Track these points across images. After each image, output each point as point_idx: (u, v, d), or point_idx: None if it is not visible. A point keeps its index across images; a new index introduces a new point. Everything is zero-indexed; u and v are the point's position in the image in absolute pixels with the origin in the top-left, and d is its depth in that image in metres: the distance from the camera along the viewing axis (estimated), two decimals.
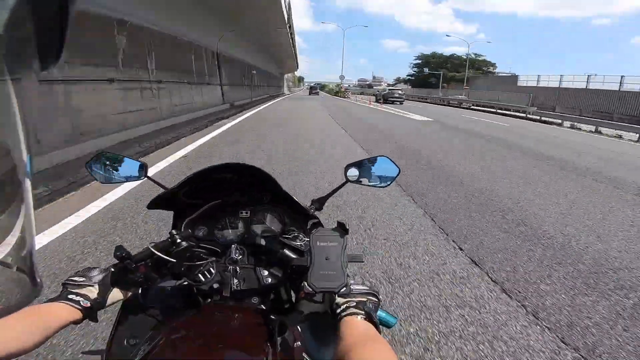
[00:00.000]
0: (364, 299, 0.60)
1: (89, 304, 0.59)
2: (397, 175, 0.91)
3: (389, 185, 0.92)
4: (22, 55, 0.20)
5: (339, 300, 0.60)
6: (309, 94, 50.49)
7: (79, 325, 0.60)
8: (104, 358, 0.68)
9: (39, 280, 0.26)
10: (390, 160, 0.92)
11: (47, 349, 1.51)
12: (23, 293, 0.26)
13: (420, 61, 67.95)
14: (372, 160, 0.93)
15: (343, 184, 0.93)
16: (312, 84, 79.16)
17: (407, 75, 72.97)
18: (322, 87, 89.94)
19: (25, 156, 0.21)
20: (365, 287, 0.62)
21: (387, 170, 0.92)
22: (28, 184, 0.22)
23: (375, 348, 0.49)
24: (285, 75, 60.69)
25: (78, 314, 0.58)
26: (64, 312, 0.57)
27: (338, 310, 0.58)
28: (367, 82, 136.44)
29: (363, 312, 0.56)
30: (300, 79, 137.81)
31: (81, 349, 1.53)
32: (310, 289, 0.59)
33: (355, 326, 0.54)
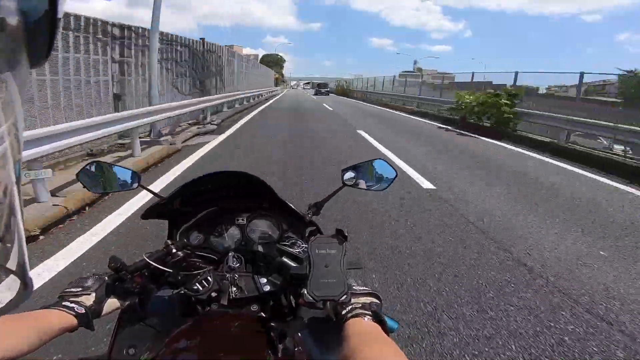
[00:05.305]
0: (368, 301, 0.58)
1: (84, 311, 0.58)
2: (395, 178, 0.88)
3: (386, 188, 0.89)
4: (11, 52, 0.20)
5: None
6: (315, 94, 37.48)
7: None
8: None
9: (29, 281, 0.26)
10: (387, 163, 0.89)
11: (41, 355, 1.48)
12: (13, 295, 0.25)
13: None
14: (369, 164, 0.90)
15: (339, 189, 0.90)
16: (319, 82, 53.23)
17: None
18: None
19: (15, 148, 0.21)
20: (366, 289, 0.61)
21: (384, 173, 0.89)
22: (15, 179, 0.22)
23: (384, 348, 0.46)
24: None
25: (73, 321, 0.57)
26: (59, 318, 0.56)
27: (343, 312, 0.56)
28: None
29: (369, 313, 0.54)
30: (283, 65, 79.79)
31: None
32: (311, 298, 0.57)
33: (362, 327, 0.52)
